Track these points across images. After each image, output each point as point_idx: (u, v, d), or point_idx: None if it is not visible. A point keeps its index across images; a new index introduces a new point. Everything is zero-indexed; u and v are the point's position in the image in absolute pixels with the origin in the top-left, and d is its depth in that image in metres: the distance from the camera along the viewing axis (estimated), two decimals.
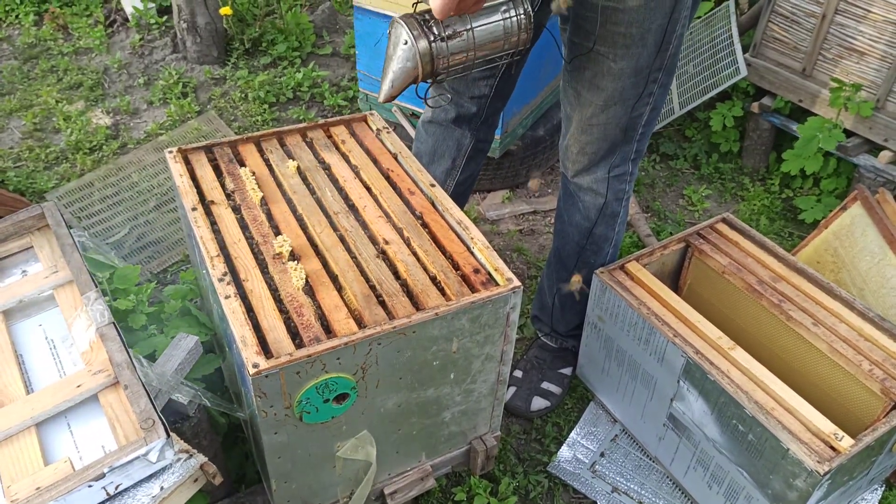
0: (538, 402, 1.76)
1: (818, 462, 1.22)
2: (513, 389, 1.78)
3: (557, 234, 1.71)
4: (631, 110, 1.43)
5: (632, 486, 1.62)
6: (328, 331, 1.10)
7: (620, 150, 1.51)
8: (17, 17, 3.30)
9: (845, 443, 1.25)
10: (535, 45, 1.53)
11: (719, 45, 2.56)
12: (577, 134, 1.50)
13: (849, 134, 2.29)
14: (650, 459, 1.66)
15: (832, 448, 1.25)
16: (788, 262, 1.61)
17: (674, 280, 1.76)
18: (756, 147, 2.58)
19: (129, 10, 3.20)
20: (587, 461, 1.67)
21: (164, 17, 3.21)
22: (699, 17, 2.80)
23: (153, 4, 3.20)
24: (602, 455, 1.69)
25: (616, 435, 1.72)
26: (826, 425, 1.28)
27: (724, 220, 1.73)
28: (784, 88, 2.41)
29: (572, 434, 1.73)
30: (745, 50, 2.49)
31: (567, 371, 1.82)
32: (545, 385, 1.79)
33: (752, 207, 2.45)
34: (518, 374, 1.81)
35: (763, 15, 2.40)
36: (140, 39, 3.13)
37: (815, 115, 2.34)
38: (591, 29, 1.35)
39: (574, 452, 1.69)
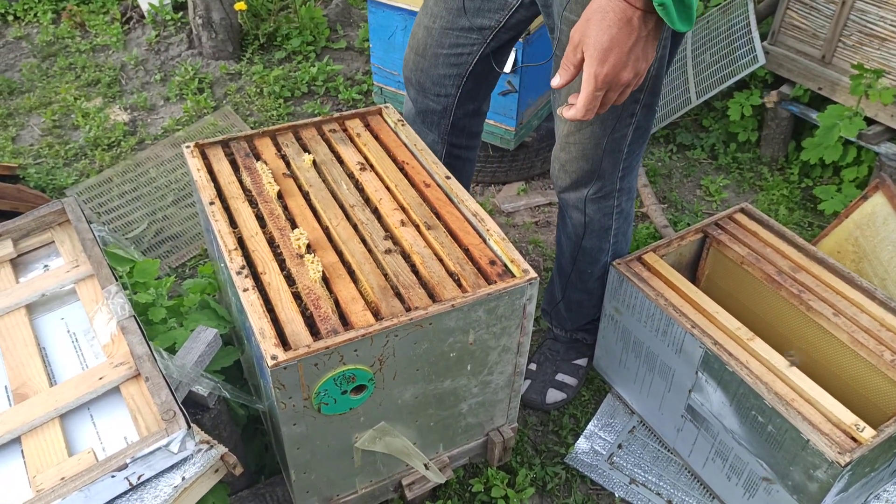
0: (553, 395, 1.76)
1: (839, 453, 1.21)
2: (527, 382, 1.77)
3: (557, 242, 1.69)
4: (612, 131, 1.37)
5: (650, 477, 1.62)
6: (345, 323, 1.11)
7: (604, 171, 1.45)
8: (35, 15, 3.34)
9: (867, 434, 1.23)
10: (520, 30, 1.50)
11: (737, 33, 2.53)
12: (558, 151, 1.46)
13: (870, 122, 2.25)
14: (668, 451, 1.66)
15: (853, 439, 1.24)
16: (808, 251, 1.59)
17: (691, 271, 1.75)
18: (775, 136, 2.55)
19: (144, 6, 3.23)
20: (605, 453, 1.67)
21: (180, 14, 3.23)
22: (717, 5, 2.77)
23: (168, 1, 3.22)
24: (620, 447, 1.68)
25: (634, 427, 1.72)
26: (847, 416, 1.26)
27: (743, 210, 1.71)
28: (803, 76, 2.38)
29: (589, 426, 1.72)
30: (762, 38, 2.46)
31: (582, 362, 1.81)
32: (560, 377, 1.78)
33: (771, 197, 2.42)
34: (532, 366, 1.80)
35: (781, 2, 2.37)
36: (156, 36, 3.15)
37: (835, 103, 2.31)
38: (563, 42, 1.27)
39: (591, 444, 1.69)
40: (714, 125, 2.69)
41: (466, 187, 1.82)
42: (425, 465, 1.30)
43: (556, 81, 1.08)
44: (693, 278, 1.75)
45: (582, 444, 1.69)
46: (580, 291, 1.69)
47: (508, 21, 1.45)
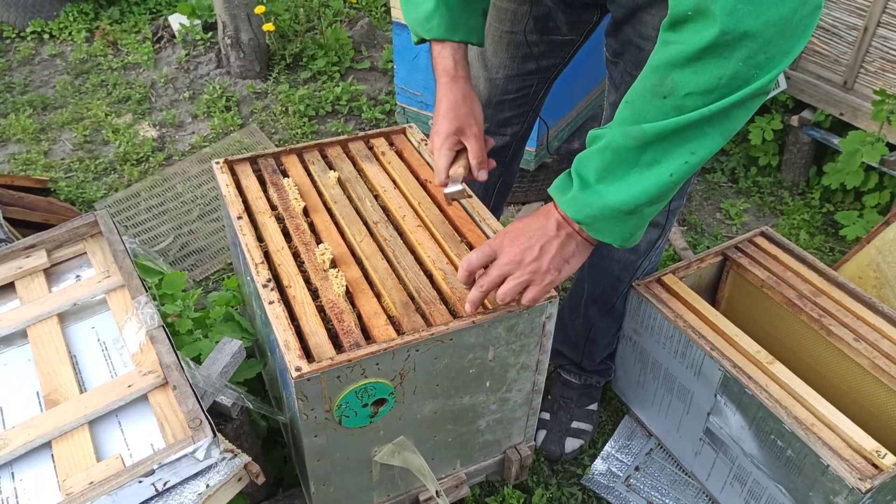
0: (572, 443, 1.72)
1: (860, 479, 1.20)
2: (543, 433, 1.73)
3: (594, 269, 1.60)
4: None
5: (667, 500, 1.61)
6: (368, 337, 1.13)
7: None
8: (69, 33, 3.44)
9: (888, 460, 1.22)
10: (573, 57, 1.53)
11: None
12: None
13: (892, 147, 2.25)
14: (686, 474, 1.65)
15: (874, 465, 1.23)
16: (829, 276, 1.59)
17: (711, 294, 1.75)
18: (796, 161, 2.55)
19: (175, 26, 3.32)
20: (622, 475, 1.67)
21: (209, 34, 3.31)
22: None
23: (199, 21, 3.31)
24: (637, 469, 1.68)
25: (651, 449, 1.71)
26: (868, 442, 1.26)
27: (763, 234, 1.71)
28: (825, 102, 2.39)
29: (606, 447, 1.72)
30: None
31: (594, 407, 1.78)
32: (575, 424, 1.74)
33: (792, 222, 2.42)
34: (546, 416, 1.75)
35: None
36: (186, 55, 3.23)
37: (857, 128, 2.31)
38: (630, 60, 1.26)
39: (608, 465, 1.69)
40: (735, 149, 2.69)
41: (502, 209, 1.84)
42: (437, 493, 1.30)
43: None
44: (713, 301, 1.75)
45: (599, 465, 1.69)
46: (612, 318, 1.65)
47: (573, 55, 1.50)
